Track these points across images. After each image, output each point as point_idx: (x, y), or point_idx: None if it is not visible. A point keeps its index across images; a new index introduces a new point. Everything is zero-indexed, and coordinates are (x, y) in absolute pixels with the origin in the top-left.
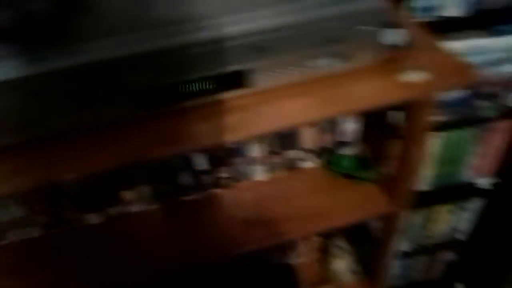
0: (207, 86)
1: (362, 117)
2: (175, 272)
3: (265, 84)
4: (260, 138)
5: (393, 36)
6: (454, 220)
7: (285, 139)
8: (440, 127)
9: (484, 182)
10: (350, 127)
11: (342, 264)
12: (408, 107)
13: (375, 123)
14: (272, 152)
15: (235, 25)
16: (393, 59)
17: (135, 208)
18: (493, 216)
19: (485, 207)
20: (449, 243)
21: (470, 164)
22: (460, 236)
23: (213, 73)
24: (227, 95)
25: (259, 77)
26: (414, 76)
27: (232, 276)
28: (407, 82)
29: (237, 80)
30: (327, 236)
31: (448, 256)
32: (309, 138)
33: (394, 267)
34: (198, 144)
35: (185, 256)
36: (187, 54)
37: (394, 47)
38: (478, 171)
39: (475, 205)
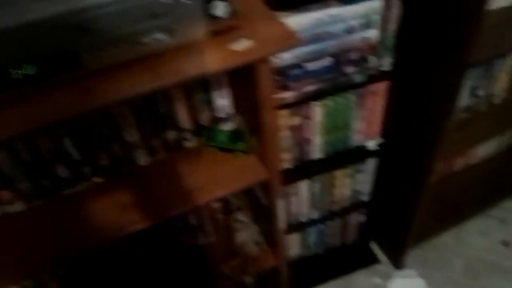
0: (33, 70)
1: (231, 90)
2: (60, 265)
3: (96, 64)
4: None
5: (220, 8)
6: (354, 183)
7: (160, 120)
8: (318, 95)
9: (372, 144)
10: (222, 102)
11: (245, 237)
12: (248, 76)
13: (242, 95)
14: (150, 135)
15: (54, 5)
16: (223, 30)
17: (14, 208)
18: (386, 174)
19: (378, 167)
20: (355, 205)
21: (356, 129)
22: (364, 197)
23: (38, 56)
24: (58, 78)
25: (88, 58)
26: (242, 45)
27: (144, 261)
28: (236, 51)
29: (66, 62)
30: (230, 212)
31: (359, 218)
32: (184, 117)
33: (309, 237)
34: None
35: (66, 248)
36: (8, 39)
37: (223, 18)
38: (366, 134)
39: (369, 166)
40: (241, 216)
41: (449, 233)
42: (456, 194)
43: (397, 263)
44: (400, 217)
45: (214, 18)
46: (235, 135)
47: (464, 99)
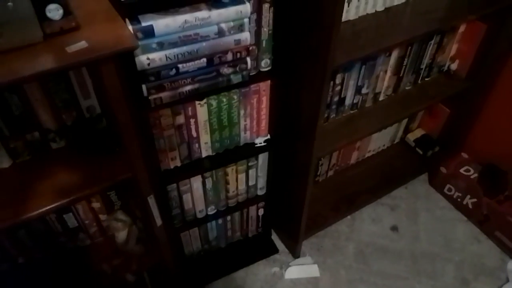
0: None
1: (95, 91)
2: None
3: None
4: None
5: (55, 11)
6: (247, 178)
7: (17, 122)
8: (199, 95)
9: (260, 140)
10: (88, 103)
11: (124, 235)
12: (94, 76)
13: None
14: (9, 137)
15: None
16: (59, 32)
17: None
18: (277, 169)
19: (269, 162)
20: (253, 200)
21: (243, 127)
22: (261, 191)
23: None
24: None
25: None
26: (76, 47)
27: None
28: (71, 50)
29: None
30: (108, 212)
31: (258, 211)
32: (46, 118)
33: (209, 232)
34: None
35: None
36: None
37: (59, 21)
38: (254, 132)
39: (261, 161)
40: (121, 215)
41: (344, 221)
42: (351, 185)
43: (294, 251)
44: (292, 209)
45: (50, 20)
46: (101, 135)
47: (349, 97)
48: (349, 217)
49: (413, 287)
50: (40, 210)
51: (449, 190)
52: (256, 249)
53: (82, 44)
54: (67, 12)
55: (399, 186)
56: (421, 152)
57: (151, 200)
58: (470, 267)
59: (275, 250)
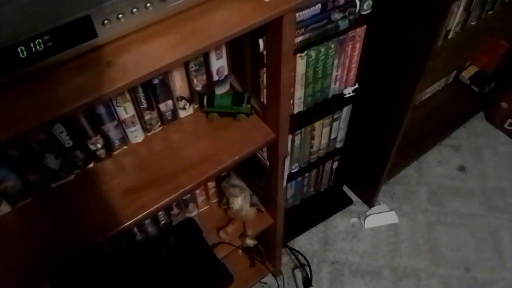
0: (47, 43)
1: (229, 50)
2: (63, 263)
3: (115, 30)
4: (125, 97)
5: None
6: (331, 132)
7: (154, 91)
8: (302, 47)
9: (348, 90)
10: (219, 64)
11: (240, 201)
12: (270, 28)
13: (242, 54)
14: (144, 109)
15: None
16: None
17: (1, 211)
18: (360, 118)
19: (352, 113)
20: (331, 154)
21: (334, 77)
22: (339, 144)
23: (49, 27)
24: (73, 51)
25: (107, 23)
26: None
27: (138, 248)
28: (268, 0)
29: (79, 31)
30: (220, 178)
31: (332, 164)
32: (179, 85)
33: (288, 190)
34: (62, 111)
35: (71, 244)
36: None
37: None
38: (343, 82)
39: (345, 113)
40: (234, 180)
41: (411, 166)
42: (414, 129)
43: (370, 201)
44: (374, 158)
45: None
46: (237, 97)
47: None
48: (415, 162)
49: (490, 222)
50: (196, 183)
51: (510, 125)
52: (331, 203)
53: None
54: None
55: (459, 126)
56: (477, 90)
57: (287, 161)
58: None
59: (350, 201)
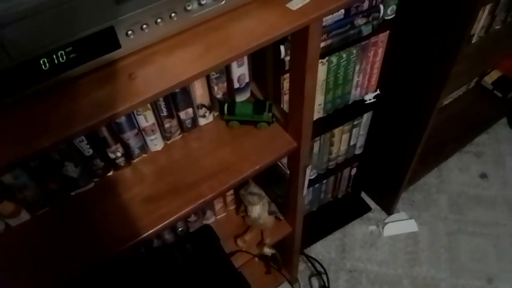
0: (69, 55)
1: (250, 57)
2: (85, 271)
3: (139, 41)
4: (146, 105)
5: None
6: (350, 138)
7: (175, 99)
8: (324, 53)
9: (369, 96)
10: (240, 71)
11: (258, 209)
12: (296, 36)
13: (263, 63)
14: (164, 117)
15: None
16: None
17: (20, 219)
18: (381, 125)
19: (372, 119)
20: (349, 160)
21: (356, 83)
22: (358, 151)
23: (72, 39)
24: (96, 63)
25: (130, 34)
26: (298, 2)
27: (155, 256)
28: (293, 7)
29: (104, 42)
30: (239, 186)
31: (351, 171)
32: (200, 93)
33: (306, 196)
34: (85, 125)
35: (89, 253)
36: (35, 22)
37: None
38: (364, 88)
39: (365, 119)
40: (253, 188)
41: (432, 173)
42: (436, 134)
43: (389, 208)
44: (394, 165)
45: None
46: (259, 105)
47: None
48: (436, 168)
49: None
50: (216, 192)
51: None
52: (348, 209)
53: None
54: None
55: (481, 132)
56: (500, 95)
57: (308, 170)
58: None
59: (368, 209)
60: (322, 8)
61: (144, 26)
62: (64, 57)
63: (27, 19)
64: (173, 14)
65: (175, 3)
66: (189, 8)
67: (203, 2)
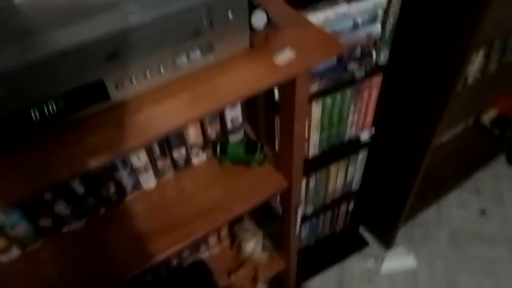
0: (59, 106)
1: (244, 100)
2: None
3: (128, 92)
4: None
5: (259, 18)
6: (346, 175)
7: (168, 139)
8: (318, 94)
9: (365, 135)
10: (233, 113)
11: (253, 244)
12: (284, 85)
13: (256, 104)
14: (157, 156)
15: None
16: (263, 41)
17: (9, 256)
18: (377, 162)
19: (368, 156)
20: (346, 195)
21: (351, 122)
22: (354, 187)
23: (65, 89)
24: (87, 112)
25: (120, 87)
26: (285, 56)
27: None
28: (280, 62)
29: (95, 93)
30: (233, 222)
31: (348, 206)
32: (193, 133)
33: (302, 231)
34: (68, 173)
35: None
36: (31, 75)
37: (261, 29)
38: (359, 126)
39: (360, 156)
40: (247, 224)
41: (431, 208)
42: (435, 171)
43: (387, 243)
44: (391, 201)
45: (252, 29)
46: (250, 145)
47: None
48: (435, 204)
49: None
50: (207, 230)
51: None
52: (346, 244)
53: (291, 52)
54: (269, 20)
55: (479, 169)
56: (498, 133)
57: (300, 209)
58: None
59: (365, 243)
60: (308, 61)
61: (133, 78)
62: (55, 108)
63: (18, 72)
64: (161, 68)
65: (164, 58)
66: (178, 62)
67: (191, 57)
